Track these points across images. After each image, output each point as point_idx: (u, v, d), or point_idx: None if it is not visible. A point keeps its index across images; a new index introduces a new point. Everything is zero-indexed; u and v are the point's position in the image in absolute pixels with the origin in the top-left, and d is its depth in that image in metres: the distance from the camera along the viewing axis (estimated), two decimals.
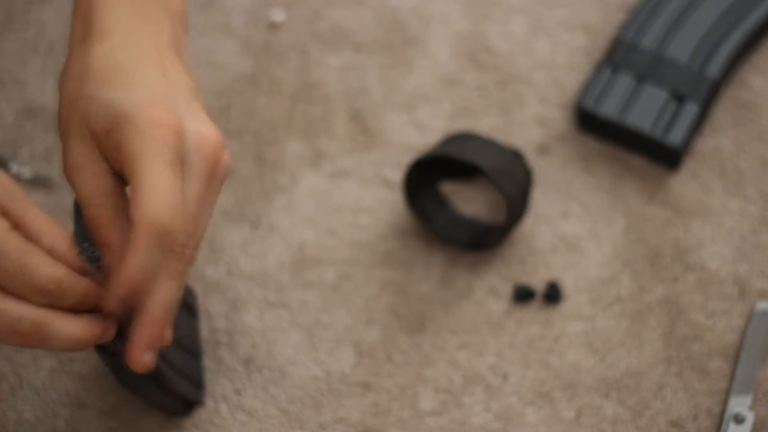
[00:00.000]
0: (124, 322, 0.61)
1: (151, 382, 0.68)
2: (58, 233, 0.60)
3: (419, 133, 0.83)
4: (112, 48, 0.61)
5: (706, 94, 0.81)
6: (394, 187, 0.82)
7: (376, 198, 0.81)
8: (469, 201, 0.81)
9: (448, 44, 0.87)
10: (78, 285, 0.59)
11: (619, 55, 0.82)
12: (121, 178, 0.61)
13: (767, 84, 0.84)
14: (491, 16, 0.88)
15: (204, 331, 0.77)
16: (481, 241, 0.79)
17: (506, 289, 0.78)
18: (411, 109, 0.84)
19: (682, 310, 0.77)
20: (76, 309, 0.60)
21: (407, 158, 0.83)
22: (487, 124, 0.84)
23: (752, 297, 0.77)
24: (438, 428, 0.74)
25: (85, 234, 0.61)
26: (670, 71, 0.82)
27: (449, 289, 0.78)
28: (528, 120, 0.84)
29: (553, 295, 0.77)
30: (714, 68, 0.82)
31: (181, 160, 0.60)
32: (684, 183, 0.81)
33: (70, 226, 0.65)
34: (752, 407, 0.73)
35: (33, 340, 0.58)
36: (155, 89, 0.60)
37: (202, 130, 0.61)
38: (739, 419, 0.72)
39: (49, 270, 0.58)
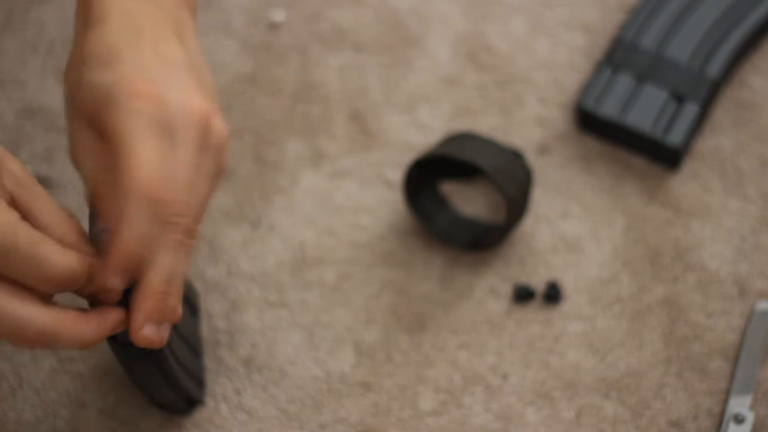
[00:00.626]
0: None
1: (158, 374, 0.68)
2: (68, 222, 0.60)
3: (419, 133, 0.83)
4: (109, 31, 0.61)
5: (706, 94, 0.81)
6: (394, 187, 0.82)
7: (376, 198, 0.81)
8: (469, 201, 0.81)
9: (448, 44, 0.87)
10: (90, 272, 0.59)
11: (619, 55, 0.82)
12: None
13: (767, 84, 0.84)
14: (491, 16, 0.88)
15: (204, 330, 0.77)
16: (481, 241, 0.79)
17: (506, 289, 0.78)
18: (411, 109, 0.84)
19: (682, 310, 0.77)
20: (92, 296, 0.60)
21: (407, 158, 0.83)
22: (487, 124, 0.84)
23: (752, 297, 0.77)
24: (438, 428, 0.74)
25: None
26: (670, 71, 0.82)
27: (449, 289, 0.78)
28: (528, 120, 0.84)
29: (553, 295, 0.77)
30: (714, 68, 0.82)
31: (165, 129, 0.59)
32: (684, 183, 0.81)
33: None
34: (752, 407, 0.73)
35: (38, 345, 0.58)
36: (143, 65, 0.60)
37: (184, 98, 0.59)
38: (739, 419, 0.72)
39: (60, 259, 0.57)
